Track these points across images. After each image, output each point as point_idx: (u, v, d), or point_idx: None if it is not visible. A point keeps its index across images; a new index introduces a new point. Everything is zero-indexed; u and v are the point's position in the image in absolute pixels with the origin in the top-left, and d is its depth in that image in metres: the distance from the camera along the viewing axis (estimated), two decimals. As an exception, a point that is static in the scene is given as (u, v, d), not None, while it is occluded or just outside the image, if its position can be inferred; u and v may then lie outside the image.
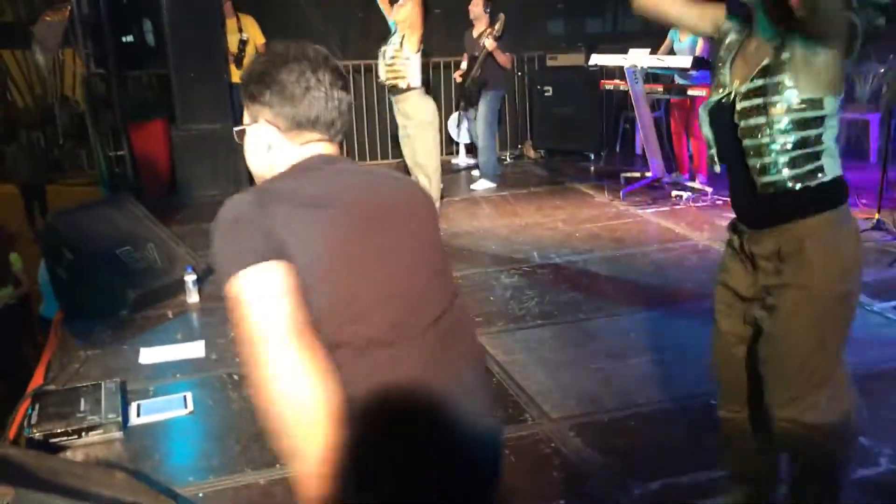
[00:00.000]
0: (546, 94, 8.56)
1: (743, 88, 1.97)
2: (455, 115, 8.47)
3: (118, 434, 3.12)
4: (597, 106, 8.33)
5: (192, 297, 4.56)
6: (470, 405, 1.45)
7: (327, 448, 1.23)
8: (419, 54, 5.27)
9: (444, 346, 1.42)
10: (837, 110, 1.96)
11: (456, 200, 6.91)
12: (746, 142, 1.96)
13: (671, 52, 6.78)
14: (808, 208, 1.94)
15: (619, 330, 4.05)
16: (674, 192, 6.59)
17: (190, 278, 4.55)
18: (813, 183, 1.93)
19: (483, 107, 7.19)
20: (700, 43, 6.53)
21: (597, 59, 7.06)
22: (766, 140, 1.92)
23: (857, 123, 7.64)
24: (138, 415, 3.29)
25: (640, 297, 4.49)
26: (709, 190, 6.43)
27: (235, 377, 3.63)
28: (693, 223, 5.83)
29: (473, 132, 7.67)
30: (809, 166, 1.92)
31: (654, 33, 7.18)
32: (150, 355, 3.89)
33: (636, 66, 6.51)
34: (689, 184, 6.66)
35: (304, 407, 1.22)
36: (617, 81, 7.16)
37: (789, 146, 1.91)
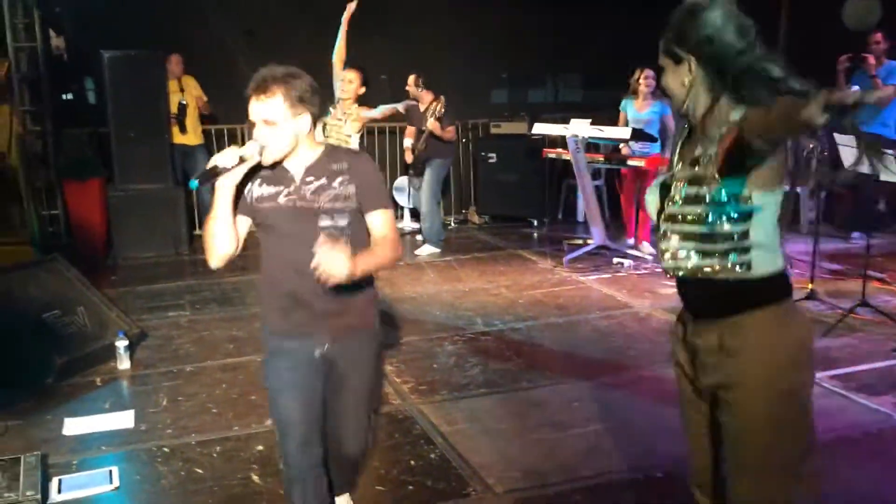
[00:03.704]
0: (490, 160, 8.68)
1: (681, 173, 1.94)
2: (400, 180, 8.51)
3: (36, 513, 2.93)
4: (540, 173, 8.46)
5: (123, 363, 4.38)
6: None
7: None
8: (358, 134, 5.41)
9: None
10: (776, 205, 1.93)
11: (399, 265, 6.86)
12: (683, 226, 1.92)
13: (626, 124, 6.84)
14: (746, 303, 1.89)
15: (563, 399, 4.01)
16: (615, 259, 6.68)
17: (121, 344, 4.38)
18: (744, 276, 1.87)
19: (428, 174, 7.23)
20: (656, 115, 6.68)
21: (539, 129, 7.20)
22: (697, 228, 1.88)
23: (787, 195, 7.88)
24: (59, 491, 3.11)
25: (584, 366, 4.48)
26: (650, 258, 6.55)
27: (166, 450, 3.46)
28: (634, 290, 5.90)
29: (417, 201, 7.70)
30: (737, 258, 1.86)
31: (593, 105, 7.40)
32: (74, 426, 3.70)
33: (577, 136, 6.65)
34: (631, 251, 6.76)
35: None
36: (559, 150, 7.31)
37: (718, 237, 1.86)
